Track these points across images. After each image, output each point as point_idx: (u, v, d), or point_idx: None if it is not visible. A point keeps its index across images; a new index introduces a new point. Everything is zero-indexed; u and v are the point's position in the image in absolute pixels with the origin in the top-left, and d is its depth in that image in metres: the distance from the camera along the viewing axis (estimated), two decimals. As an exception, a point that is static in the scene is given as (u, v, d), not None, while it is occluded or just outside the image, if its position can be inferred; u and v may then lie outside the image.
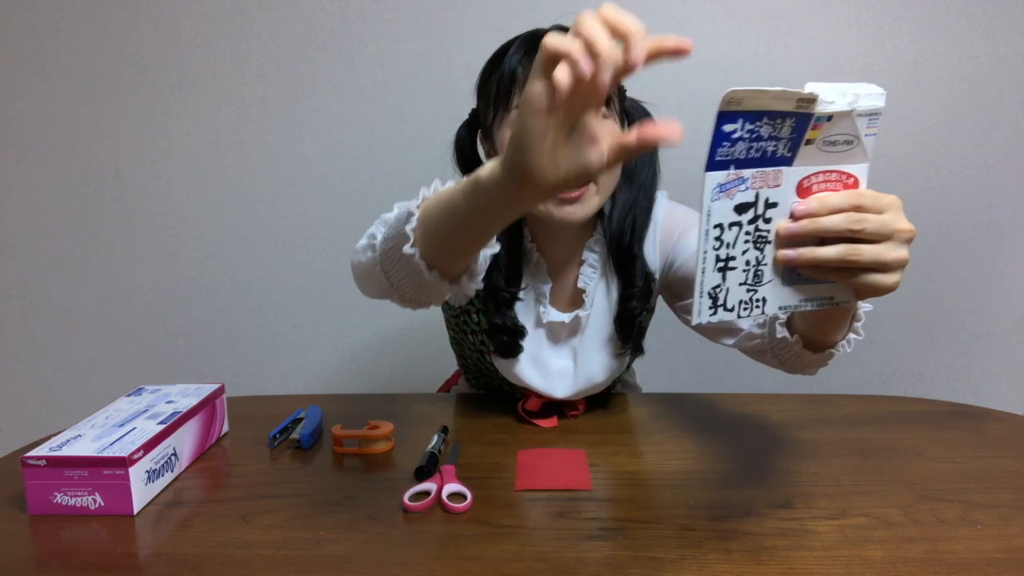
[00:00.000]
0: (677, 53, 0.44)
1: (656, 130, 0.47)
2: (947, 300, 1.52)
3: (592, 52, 0.43)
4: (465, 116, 0.97)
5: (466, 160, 0.96)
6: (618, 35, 0.44)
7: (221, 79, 1.50)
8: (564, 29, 0.85)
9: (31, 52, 1.51)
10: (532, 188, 0.50)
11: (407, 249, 0.64)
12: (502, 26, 1.43)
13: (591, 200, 0.85)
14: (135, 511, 0.73)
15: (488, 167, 0.53)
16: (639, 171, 0.93)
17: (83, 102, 1.52)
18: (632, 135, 0.48)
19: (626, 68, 0.44)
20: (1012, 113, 1.44)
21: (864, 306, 0.71)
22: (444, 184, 0.66)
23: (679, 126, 0.46)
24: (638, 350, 1.01)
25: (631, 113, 0.93)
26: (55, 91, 1.52)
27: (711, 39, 1.43)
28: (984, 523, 0.69)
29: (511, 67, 0.83)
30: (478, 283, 0.69)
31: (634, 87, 0.91)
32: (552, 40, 0.45)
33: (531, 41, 0.85)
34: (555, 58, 0.45)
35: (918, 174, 1.47)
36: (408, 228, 0.64)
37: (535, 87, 0.46)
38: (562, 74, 0.44)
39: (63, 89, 1.52)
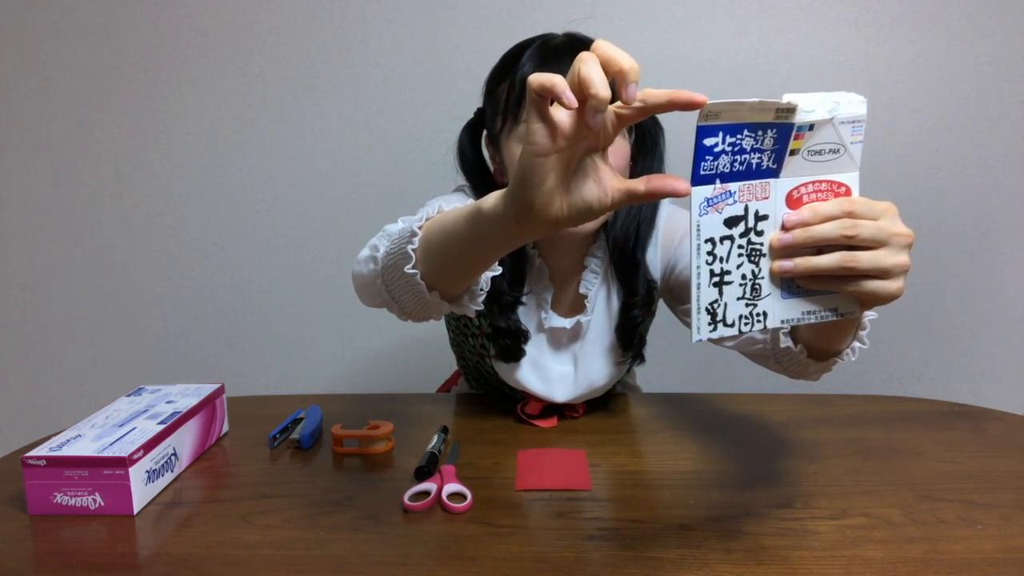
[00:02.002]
0: (690, 106, 0.45)
1: (666, 183, 0.47)
2: (947, 300, 1.52)
3: (585, 93, 0.44)
4: (465, 116, 0.97)
5: (468, 162, 0.96)
6: (612, 73, 0.44)
7: (221, 79, 1.50)
8: (576, 38, 0.86)
9: (31, 52, 1.51)
10: (533, 225, 0.50)
11: (408, 269, 0.64)
12: (502, 26, 1.44)
13: None
14: (135, 511, 0.73)
15: (491, 199, 0.53)
16: None
17: (83, 102, 1.52)
18: (641, 184, 0.48)
19: (624, 105, 0.45)
20: (1012, 113, 1.44)
21: (869, 314, 0.70)
22: (447, 200, 0.66)
23: (686, 182, 0.48)
24: (638, 358, 1.01)
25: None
26: (55, 91, 1.52)
27: (711, 39, 1.43)
28: (984, 523, 0.69)
29: (523, 76, 0.81)
30: (478, 304, 0.69)
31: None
32: (537, 78, 0.45)
33: (544, 51, 0.83)
34: (543, 94, 0.45)
35: (918, 174, 1.46)
36: (410, 248, 0.64)
37: (535, 127, 0.46)
38: (564, 116, 0.46)
39: (63, 89, 1.52)
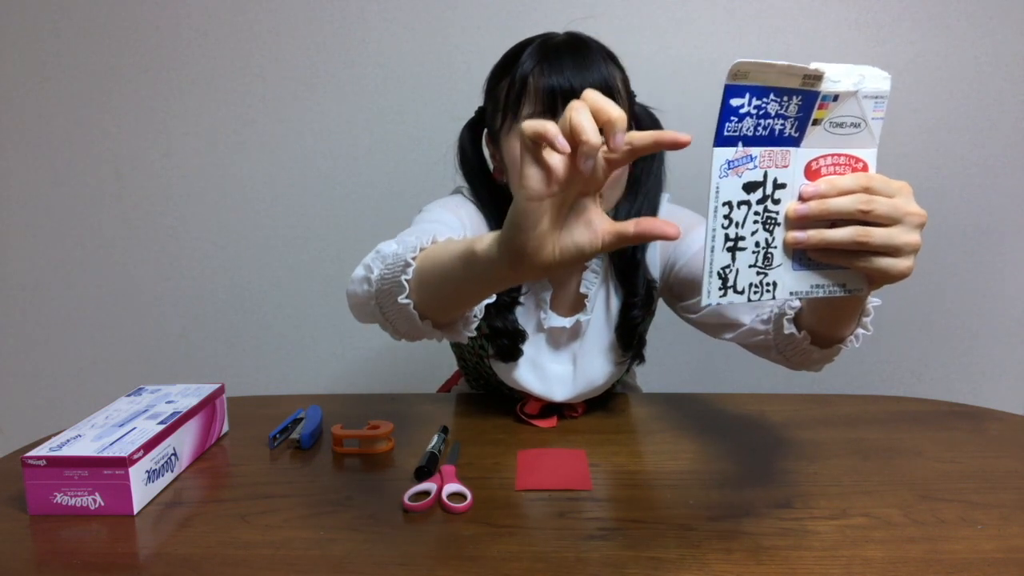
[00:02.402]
0: (674, 146, 0.46)
1: (655, 226, 0.48)
2: (947, 300, 1.52)
3: (577, 140, 0.45)
4: (465, 116, 0.97)
5: (468, 162, 0.96)
6: (601, 122, 0.46)
7: (221, 79, 1.50)
8: (577, 37, 0.86)
9: (31, 52, 1.51)
10: (525, 268, 0.51)
11: (402, 299, 0.64)
12: (502, 26, 1.44)
13: None
14: (135, 511, 0.73)
15: (485, 241, 0.54)
16: (644, 180, 0.93)
17: (83, 102, 1.52)
18: (631, 226, 0.49)
19: (611, 152, 0.47)
20: (1012, 113, 1.44)
21: (873, 300, 0.71)
22: (445, 206, 0.64)
23: (676, 227, 0.48)
24: (638, 357, 1.01)
25: (640, 118, 0.93)
26: (55, 91, 1.52)
27: (711, 39, 1.43)
28: (984, 523, 0.69)
29: (523, 74, 0.82)
30: (472, 331, 0.69)
31: (635, 88, 0.92)
32: (531, 124, 0.46)
33: (544, 49, 0.83)
34: (536, 140, 0.46)
35: (918, 174, 1.46)
36: (404, 278, 0.64)
37: (530, 171, 0.47)
38: (557, 161, 0.47)
39: (63, 89, 1.52)
